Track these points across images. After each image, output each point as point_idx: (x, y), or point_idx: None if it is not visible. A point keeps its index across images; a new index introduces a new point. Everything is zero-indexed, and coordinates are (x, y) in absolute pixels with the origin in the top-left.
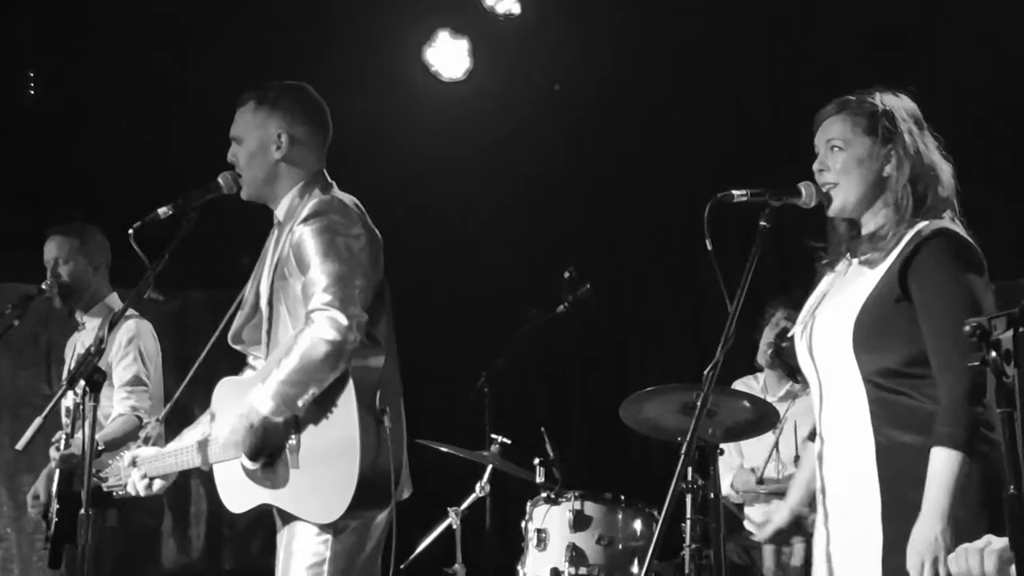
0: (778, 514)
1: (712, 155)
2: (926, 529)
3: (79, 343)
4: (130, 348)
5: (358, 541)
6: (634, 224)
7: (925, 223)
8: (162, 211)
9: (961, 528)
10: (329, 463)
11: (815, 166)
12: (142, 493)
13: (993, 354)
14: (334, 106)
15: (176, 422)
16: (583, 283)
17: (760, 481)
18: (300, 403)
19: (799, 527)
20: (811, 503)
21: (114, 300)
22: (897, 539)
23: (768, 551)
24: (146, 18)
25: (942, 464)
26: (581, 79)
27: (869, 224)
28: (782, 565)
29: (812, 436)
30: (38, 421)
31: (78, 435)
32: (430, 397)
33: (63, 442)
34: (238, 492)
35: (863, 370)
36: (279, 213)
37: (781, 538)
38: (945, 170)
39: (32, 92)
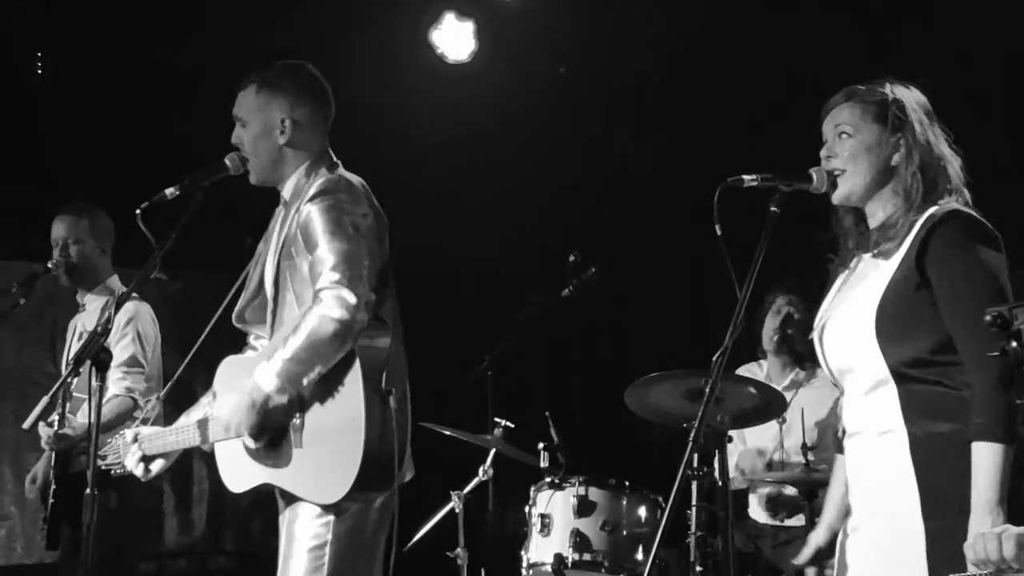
0: (815, 534)
1: (719, 138)
2: (978, 526)
3: (80, 323)
4: (128, 329)
5: (359, 523)
6: (639, 208)
7: (935, 208)
8: (169, 192)
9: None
10: (333, 443)
11: (822, 152)
12: (140, 472)
13: (1014, 344)
14: (340, 87)
15: (178, 401)
16: (587, 267)
17: (768, 466)
18: (305, 381)
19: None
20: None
21: (115, 282)
22: (940, 533)
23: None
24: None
25: (985, 458)
26: (586, 61)
27: (877, 214)
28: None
29: (839, 448)
30: (44, 401)
31: (75, 416)
32: (433, 380)
33: (57, 423)
34: (239, 472)
35: (889, 361)
36: (285, 193)
37: (820, 558)
38: (954, 163)
39: (40, 72)
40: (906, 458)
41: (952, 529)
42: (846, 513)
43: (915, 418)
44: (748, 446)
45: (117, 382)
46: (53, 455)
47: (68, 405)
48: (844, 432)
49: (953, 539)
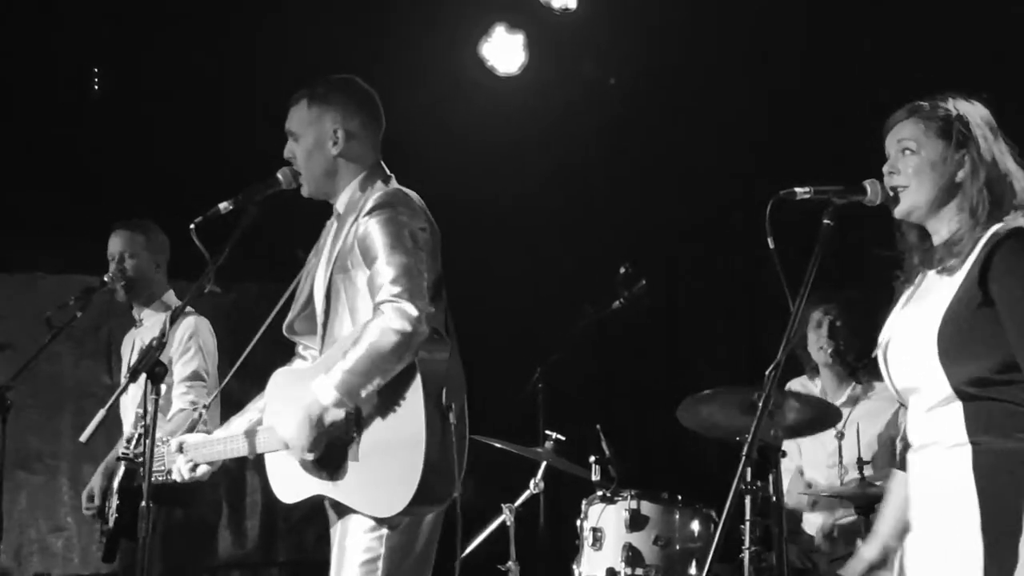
0: (867, 548)
1: (770, 149)
2: None
3: (137, 339)
4: (190, 344)
5: (412, 537)
6: (691, 220)
7: (1000, 225)
8: (223, 206)
9: None
10: (393, 457)
11: (885, 168)
12: (186, 477)
13: None
14: (391, 101)
15: (230, 413)
16: (639, 279)
17: (813, 502)
18: (363, 393)
19: (887, 561)
20: (900, 536)
21: (171, 297)
22: (999, 550)
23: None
24: (211, 14)
25: None
26: (636, 73)
27: (941, 231)
28: None
29: (900, 464)
30: (101, 413)
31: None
32: (484, 393)
33: (134, 442)
34: (291, 482)
35: (952, 380)
36: (339, 206)
37: (870, 573)
38: (1019, 177)
39: (96, 88)
40: (968, 473)
41: (1011, 546)
42: (903, 528)
43: (979, 434)
44: (802, 462)
45: (181, 396)
46: (121, 469)
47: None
48: (908, 446)
49: (1012, 556)
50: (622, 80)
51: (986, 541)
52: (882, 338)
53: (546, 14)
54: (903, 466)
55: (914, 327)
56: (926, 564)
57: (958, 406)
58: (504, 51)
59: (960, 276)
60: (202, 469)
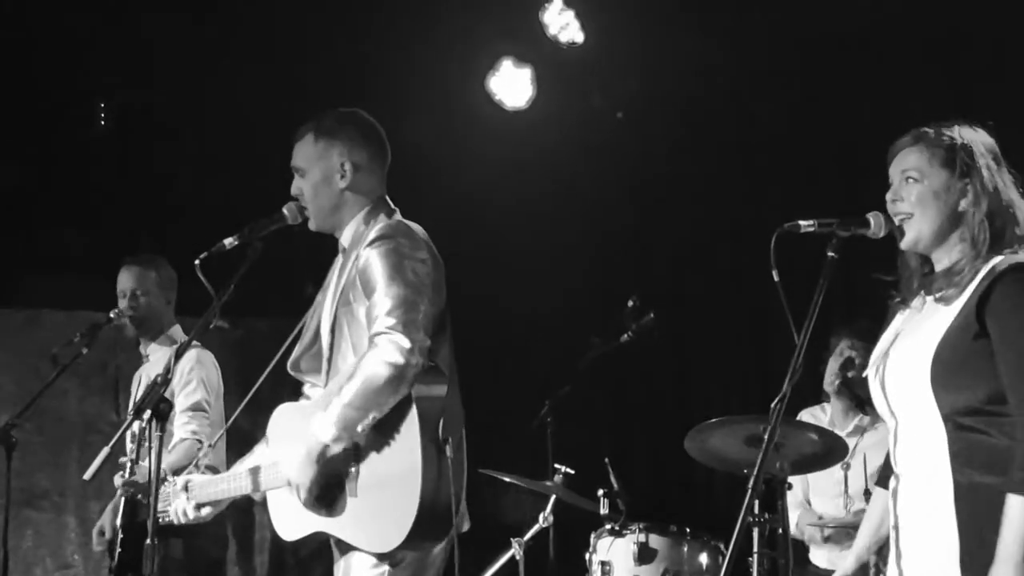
0: (844, 562)
1: (777, 183)
2: None
3: (144, 375)
4: (192, 376)
5: (416, 574)
6: (698, 252)
7: (1001, 258)
8: (228, 241)
9: None
10: (389, 492)
11: (888, 196)
12: (191, 518)
13: None
14: (399, 135)
15: (239, 449)
16: (646, 312)
17: (826, 537)
18: (360, 428)
19: (864, 574)
20: (878, 550)
21: (177, 331)
22: None
23: None
24: (212, 48)
25: (1016, 513)
26: (644, 107)
27: (943, 260)
28: None
29: (880, 481)
30: (105, 451)
31: (143, 463)
32: (493, 427)
33: (128, 469)
34: (292, 519)
35: (942, 408)
36: (344, 240)
37: None
38: (1022, 208)
39: (103, 123)
40: (950, 506)
41: None
42: (879, 544)
43: (962, 467)
44: (811, 492)
45: (183, 426)
46: (121, 504)
47: (140, 451)
48: (891, 470)
49: None
50: (630, 113)
51: (963, 574)
52: (874, 359)
53: (554, 48)
54: (884, 484)
55: (908, 354)
56: None
57: (943, 436)
58: (512, 85)
59: (958, 306)
60: (206, 510)
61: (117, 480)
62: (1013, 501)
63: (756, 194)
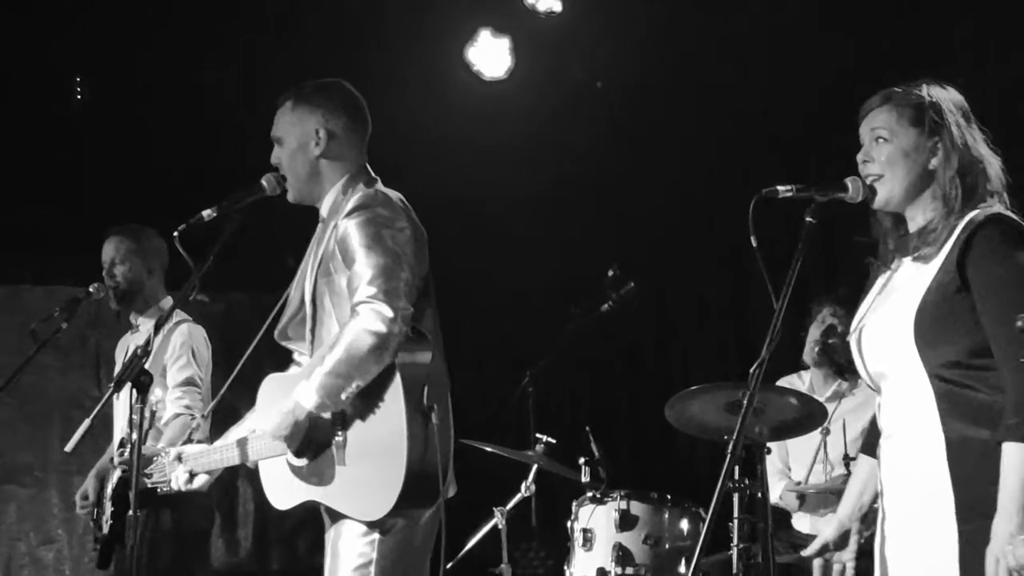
0: (826, 528)
1: (755, 149)
2: (1003, 527)
3: (132, 344)
4: (183, 351)
5: (404, 541)
6: (677, 220)
7: (976, 212)
8: (206, 213)
9: None
10: (376, 459)
11: (859, 157)
12: (183, 488)
13: None
14: (377, 106)
15: (223, 421)
16: (627, 281)
17: (801, 499)
18: (343, 396)
19: (846, 541)
20: (861, 517)
21: (168, 303)
22: (974, 537)
23: (816, 565)
24: (192, 21)
25: (1014, 460)
26: (623, 76)
27: (917, 218)
28: None
29: (864, 448)
30: (86, 423)
31: (148, 442)
32: (475, 397)
33: (128, 448)
34: (283, 489)
35: (927, 364)
36: (323, 210)
37: (828, 552)
38: (993, 163)
39: (80, 97)
40: (942, 462)
41: (985, 530)
42: (866, 513)
43: (952, 422)
44: (790, 459)
45: (176, 401)
46: (116, 475)
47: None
48: (878, 434)
49: (986, 541)
50: (609, 83)
51: (961, 527)
52: (855, 324)
53: (532, 17)
54: (870, 452)
55: (889, 313)
56: (904, 551)
57: (931, 392)
58: (490, 55)
59: (937, 263)
60: (200, 479)
61: (116, 458)
62: (1008, 449)
63: (736, 162)
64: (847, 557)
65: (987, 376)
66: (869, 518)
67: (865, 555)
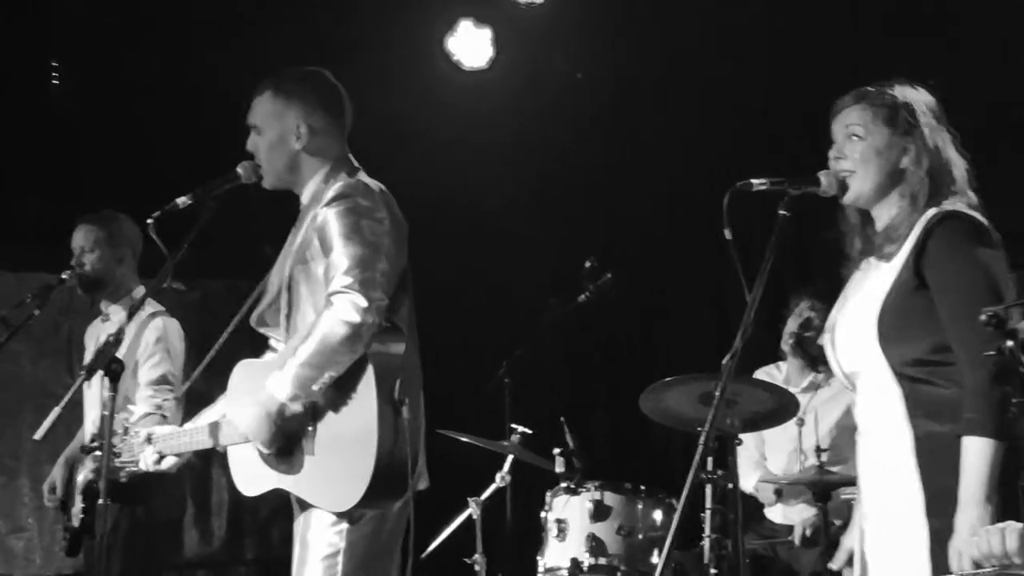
0: (847, 537)
1: (735, 142)
2: (964, 520)
3: (102, 333)
4: (157, 347)
5: (374, 532)
6: (656, 212)
7: (933, 210)
8: (181, 201)
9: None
10: (346, 451)
11: (832, 153)
12: (151, 468)
13: (1010, 343)
14: (358, 96)
15: (196, 408)
16: (604, 272)
17: (778, 493)
18: (316, 387)
19: None
20: None
21: (140, 292)
22: (943, 532)
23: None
24: (171, 10)
25: (974, 453)
26: (603, 67)
27: (883, 217)
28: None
29: None
30: (56, 411)
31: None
32: (451, 387)
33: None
34: (252, 475)
35: (891, 362)
36: (304, 198)
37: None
38: (959, 166)
39: (55, 83)
40: (911, 458)
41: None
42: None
43: (918, 419)
44: (766, 448)
45: (147, 400)
46: (81, 469)
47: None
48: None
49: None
50: (589, 74)
51: (931, 522)
52: (828, 324)
53: (513, 8)
54: None
55: (855, 313)
56: (879, 547)
57: (897, 390)
58: (471, 45)
59: (898, 261)
60: (169, 460)
61: (89, 464)
62: (968, 443)
63: (715, 154)
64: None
65: (949, 371)
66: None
67: (833, 546)
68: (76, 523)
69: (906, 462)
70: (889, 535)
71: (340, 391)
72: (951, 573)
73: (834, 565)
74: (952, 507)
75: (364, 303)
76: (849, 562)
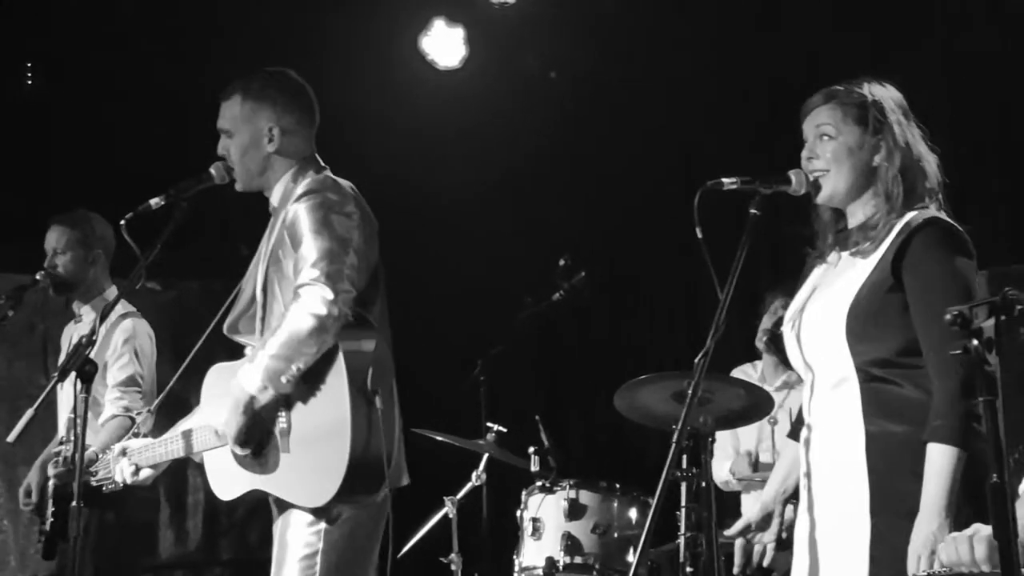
0: (750, 511)
1: (707, 142)
2: (924, 526)
3: (76, 334)
4: (125, 349)
5: (351, 531)
6: (630, 211)
7: (915, 213)
8: (153, 202)
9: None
10: (319, 446)
11: (804, 153)
12: (128, 481)
13: (975, 342)
14: (331, 95)
15: (171, 413)
16: (578, 271)
17: (755, 467)
18: (284, 379)
19: (768, 523)
20: (785, 500)
21: (112, 292)
22: (884, 530)
23: (737, 546)
24: (146, 10)
25: (939, 460)
26: (576, 66)
27: (857, 214)
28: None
29: (792, 434)
30: (29, 413)
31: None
32: (426, 385)
33: (61, 459)
34: (227, 479)
35: (856, 360)
36: (273, 200)
37: (750, 533)
38: (931, 161)
39: (30, 81)
40: (861, 455)
41: (897, 528)
42: (786, 493)
43: (874, 417)
44: (741, 451)
45: (115, 402)
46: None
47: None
48: (804, 422)
49: (897, 538)
50: (562, 73)
51: (873, 522)
52: (790, 312)
53: (485, 7)
54: (796, 437)
55: (824, 306)
56: (824, 539)
57: (856, 387)
58: (444, 45)
59: (873, 260)
60: (145, 472)
61: (50, 470)
62: (933, 450)
63: (689, 153)
64: (768, 539)
65: (914, 374)
66: (792, 501)
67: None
68: (47, 526)
69: (856, 458)
70: (833, 529)
71: (312, 385)
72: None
73: (729, 532)
74: (898, 507)
75: (330, 295)
76: (743, 532)
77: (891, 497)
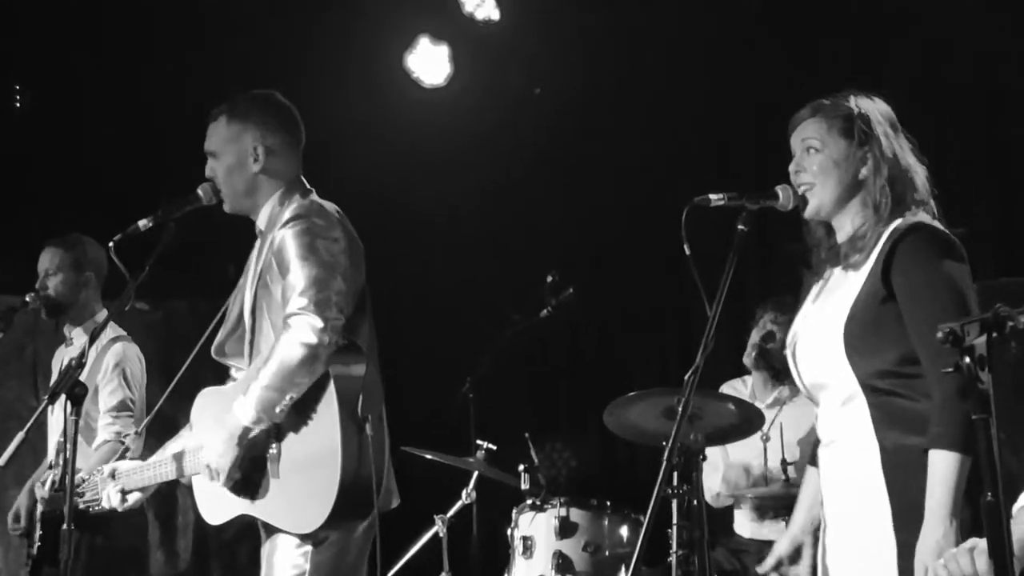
0: (779, 544)
1: (693, 157)
2: (930, 534)
3: (66, 357)
4: (115, 373)
5: (339, 553)
6: (617, 227)
7: (900, 220)
8: (142, 223)
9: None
10: (310, 472)
11: (791, 167)
12: (117, 507)
13: (967, 360)
14: (316, 113)
15: (160, 433)
16: (566, 287)
17: (752, 482)
18: (277, 410)
19: (799, 555)
20: (813, 530)
21: (103, 315)
22: (911, 546)
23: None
24: (129, 26)
25: (941, 466)
26: (561, 83)
27: (845, 227)
28: None
29: (812, 460)
30: (19, 436)
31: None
32: (414, 404)
33: (49, 482)
34: (217, 503)
35: (858, 374)
36: (260, 223)
37: (783, 567)
38: (920, 172)
39: (18, 104)
40: (878, 471)
41: None
42: (818, 526)
43: (885, 431)
44: (732, 461)
45: (107, 427)
46: (39, 499)
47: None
48: (818, 442)
49: None
50: (547, 90)
51: (898, 537)
52: (790, 336)
53: (470, 25)
54: (815, 462)
55: (821, 324)
56: (844, 561)
57: (864, 402)
58: (429, 62)
59: (864, 272)
60: (133, 496)
61: (38, 493)
62: (935, 456)
63: (677, 169)
64: (803, 573)
65: (917, 384)
66: (820, 531)
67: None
68: (34, 551)
69: (873, 475)
70: (854, 548)
71: (303, 412)
72: None
73: (761, 569)
74: (919, 521)
75: (320, 324)
76: (776, 567)
77: (914, 511)
